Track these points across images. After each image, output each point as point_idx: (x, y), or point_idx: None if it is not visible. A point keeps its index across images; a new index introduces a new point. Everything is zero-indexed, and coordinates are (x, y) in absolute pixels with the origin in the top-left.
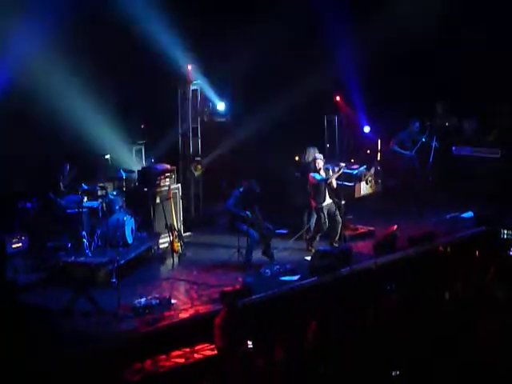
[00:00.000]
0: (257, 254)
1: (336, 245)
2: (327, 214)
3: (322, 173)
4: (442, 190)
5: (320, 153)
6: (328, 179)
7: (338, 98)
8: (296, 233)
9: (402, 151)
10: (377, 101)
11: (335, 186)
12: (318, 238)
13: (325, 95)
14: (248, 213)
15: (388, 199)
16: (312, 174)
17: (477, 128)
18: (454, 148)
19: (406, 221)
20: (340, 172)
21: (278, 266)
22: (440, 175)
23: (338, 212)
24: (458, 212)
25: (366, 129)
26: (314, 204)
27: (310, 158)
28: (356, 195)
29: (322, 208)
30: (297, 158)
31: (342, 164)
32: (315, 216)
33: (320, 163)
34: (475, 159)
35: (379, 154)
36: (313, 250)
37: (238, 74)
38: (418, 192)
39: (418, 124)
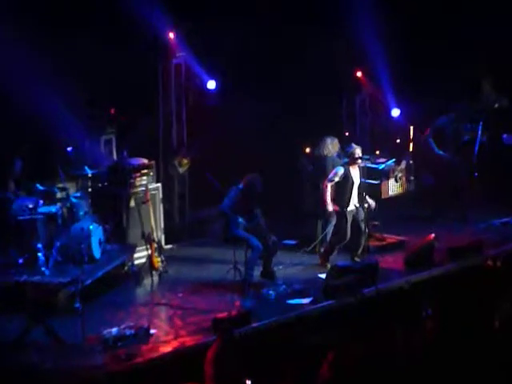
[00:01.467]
0: (258, 272)
1: (358, 259)
2: (351, 221)
3: (356, 170)
4: (491, 189)
5: (338, 142)
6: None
7: (359, 74)
8: (307, 244)
9: (438, 152)
10: (409, 77)
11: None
12: (335, 251)
13: (343, 70)
14: (248, 218)
15: (423, 201)
16: (336, 172)
17: None
18: (504, 136)
19: (446, 228)
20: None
21: (284, 287)
22: (488, 170)
23: (363, 219)
24: (510, 217)
25: (395, 112)
26: (335, 208)
27: (326, 151)
28: (383, 196)
29: (346, 214)
30: (307, 151)
31: (366, 156)
32: (332, 223)
33: (357, 155)
34: None
35: (412, 145)
36: (328, 266)
37: (233, 43)
38: (461, 192)
39: (462, 110)
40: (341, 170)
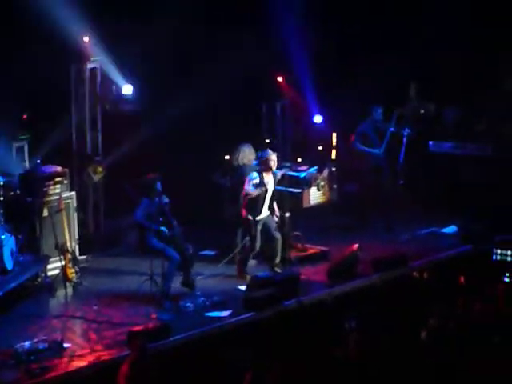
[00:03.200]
0: (175, 283)
1: (278, 270)
2: (262, 229)
3: (270, 177)
4: (417, 197)
5: (257, 150)
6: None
7: (280, 79)
8: (227, 254)
9: (369, 150)
10: (332, 82)
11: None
12: (251, 261)
13: (263, 76)
14: (164, 228)
15: (346, 210)
16: (250, 179)
17: (461, 117)
18: (431, 143)
19: (370, 238)
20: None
21: (203, 299)
22: (413, 178)
23: (275, 226)
24: (437, 226)
25: (318, 119)
26: (245, 217)
27: (245, 160)
28: (304, 205)
29: (256, 222)
30: (227, 158)
31: (287, 164)
32: None
33: (273, 162)
34: (459, 157)
35: (334, 152)
36: (248, 277)
37: (150, 48)
38: (385, 200)
39: (380, 110)
40: (255, 177)
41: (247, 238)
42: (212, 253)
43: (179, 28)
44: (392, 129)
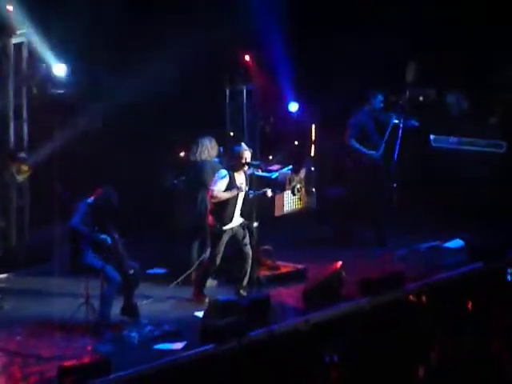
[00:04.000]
0: (117, 308)
1: (244, 292)
2: (229, 241)
3: (242, 177)
4: (414, 204)
5: (221, 145)
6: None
7: (247, 58)
8: (180, 273)
9: (365, 151)
10: (311, 62)
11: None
12: (211, 281)
13: (227, 54)
14: (106, 237)
15: (327, 219)
16: (218, 178)
17: (468, 106)
18: (431, 137)
19: (357, 254)
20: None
21: (150, 328)
22: (410, 180)
23: (247, 240)
24: (439, 240)
25: (293, 107)
26: (211, 224)
27: (205, 155)
28: (277, 213)
29: (222, 232)
30: (182, 155)
31: (255, 162)
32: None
33: (246, 159)
34: (465, 156)
35: (313, 147)
36: (207, 301)
37: (88, 21)
38: (377, 208)
39: (381, 98)
40: (225, 175)
41: (206, 252)
42: (162, 271)
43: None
44: (396, 120)
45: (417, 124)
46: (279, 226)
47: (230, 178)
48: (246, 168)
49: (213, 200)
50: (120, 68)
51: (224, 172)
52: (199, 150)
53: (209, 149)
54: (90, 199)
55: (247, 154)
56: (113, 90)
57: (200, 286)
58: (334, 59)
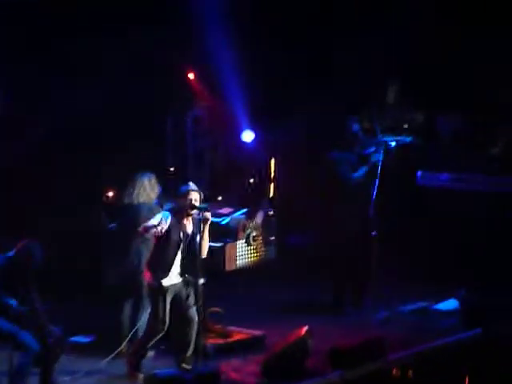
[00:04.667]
0: None
1: (187, 366)
2: (171, 302)
3: (189, 224)
4: (398, 256)
5: (159, 183)
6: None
7: (191, 76)
8: (109, 341)
9: (357, 174)
10: (271, 82)
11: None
12: (150, 353)
13: (166, 73)
14: (13, 302)
15: (290, 274)
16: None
17: (463, 133)
18: (419, 173)
19: (327, 317)
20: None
21: None
22: (393, 226)
23: (191, 301)
24: (429, 300)
25: (248, 136)
26: (149, 280)
27: (143, 197)
28: (227, 267)
29: (165, 290)
30: (110, 195)
31: (202, 205)
32: (148, 307)
33: (195, 199)
34: (461, 195)
35: (273, 186)
36: (141, 377)
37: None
38: (353, 259)
39: (357, 126)
40: (167, 216)
41: (145, 317)
42: (87, 339)
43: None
44: (378, 156)
45: (409, 139)
46: (231, 282)
47: (172, 222)
48: (194, 212)
49: (144, 234)
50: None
51: (166, 213)
52: (136, 191)
53: (147, 190)
54: (11, 252)
55: (195, 196)
56: (35, 115)
57: (138, 357)
58: (298, 77)
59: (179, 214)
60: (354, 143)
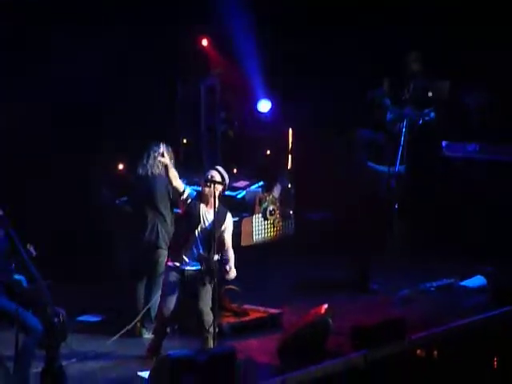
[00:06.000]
0: (38, 368)
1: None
2: (184, 286)
3: (210, 212)
4: (421, 231)
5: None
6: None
7: (205, 43)
8: (120, 321)
9: (382, 168)
10: (289, 50)
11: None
12: (168, 331)
13: (178, 38)
14: (21, 278)
15: (310, 250)
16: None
17: (490, 104)
18: (444, 144)
19: (349, 295)
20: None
21: None
22: (417, 199)
23: (203, 295)
24: (455, 276)
25: (264, 106)
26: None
27: (159, 169)
28: (243, 242)
29: (174, 270)
30: (121, 168)
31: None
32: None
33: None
34: (488, 166)
35: (290, 158)
36: (154, 358)
37: None
38: (376, 237)
39: (387, 101)
40: (191, 193)
41: (157, 295)
42: (96, 318)
43: None
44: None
45: (433, 115)
46: (247, 259)
47: (193, 203)
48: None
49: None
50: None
51: (193, 192)
52: (151, 161)
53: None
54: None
55: (215, 174)
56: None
57: (158, 339)
58: (318, 46)
59: (201, 198)
60: (382, 117)
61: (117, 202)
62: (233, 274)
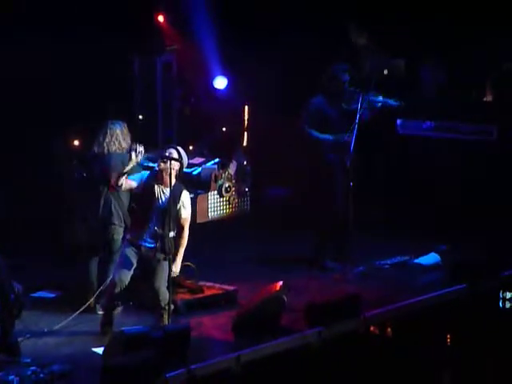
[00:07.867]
0: None
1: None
2: (141, 260)
3: (166, 190)
4: (376, 208)
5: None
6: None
7: (161, 19)
8: (74, 297)
9: (327, 137)
10: (244, 26)
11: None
12: (118, 308)
13: (134, 15)
14: None
15: (264, 227)
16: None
17: (448, 80)
18: (399, 121)
19: (303, 272)
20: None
21: (34, 369)
22: (371, 177)
23: (158, 274)
24: (409, 254)
25: (220, 82)
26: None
27: (115, 145)
28: (199, 219)
29: (131, 244)
30: (76, 144)
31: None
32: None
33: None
34: (443, 144)
35: (246, 135)
36: (110, 333)
37: None
38: (332, 213)
39: (346, 77)
40: (145, 175)
41: (120, 272)
42: (51, 295)
43: None
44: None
45: (397, 103)
46: (202, 236)
47: (148, 184)
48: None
49: (115, 186)
50: None
51: (146, 173)
52: (107, 139)
53: (120, 139)
54: None
55: (172, 152)
56: None
57: (109, 312)
58: (273, 20)
59: (157, 175)
60: (340, 96)
61: (76, 175)
62: (176, 269)
